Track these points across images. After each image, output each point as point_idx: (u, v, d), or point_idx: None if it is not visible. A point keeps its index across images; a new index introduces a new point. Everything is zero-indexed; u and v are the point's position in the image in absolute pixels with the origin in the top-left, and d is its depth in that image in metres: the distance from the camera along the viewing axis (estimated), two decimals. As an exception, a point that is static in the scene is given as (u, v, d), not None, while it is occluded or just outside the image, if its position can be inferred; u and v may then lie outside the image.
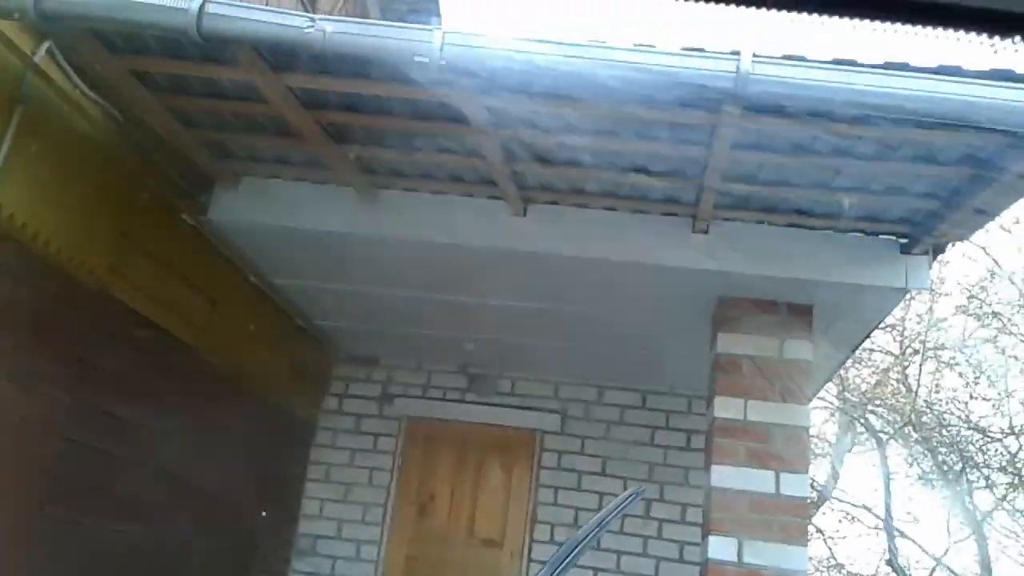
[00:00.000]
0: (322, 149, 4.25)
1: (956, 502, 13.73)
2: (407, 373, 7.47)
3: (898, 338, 13.51)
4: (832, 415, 14.82)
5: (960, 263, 13.39)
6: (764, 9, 0.65)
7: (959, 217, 4.04)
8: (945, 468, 13.67)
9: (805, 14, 0.66)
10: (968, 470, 13.48)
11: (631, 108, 3.52)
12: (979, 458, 13.48)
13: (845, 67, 3.03)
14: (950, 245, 4.63)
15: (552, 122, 3.79)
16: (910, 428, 13.57)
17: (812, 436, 13.21)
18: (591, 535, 4.55)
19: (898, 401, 13.63)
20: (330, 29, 2.93)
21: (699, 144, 3.81)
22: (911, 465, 14.49)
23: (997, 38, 0.62)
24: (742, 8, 0.65)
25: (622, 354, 6.50)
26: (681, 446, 7.08)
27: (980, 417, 13.40)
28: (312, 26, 2.94)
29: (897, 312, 11.93)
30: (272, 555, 6.80)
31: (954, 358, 13.40)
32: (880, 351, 13.71)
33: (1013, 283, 12.63)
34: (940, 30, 0.63)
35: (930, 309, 13.16)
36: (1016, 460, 13.02)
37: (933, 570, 14.45)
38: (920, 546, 14.44)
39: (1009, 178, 3.57)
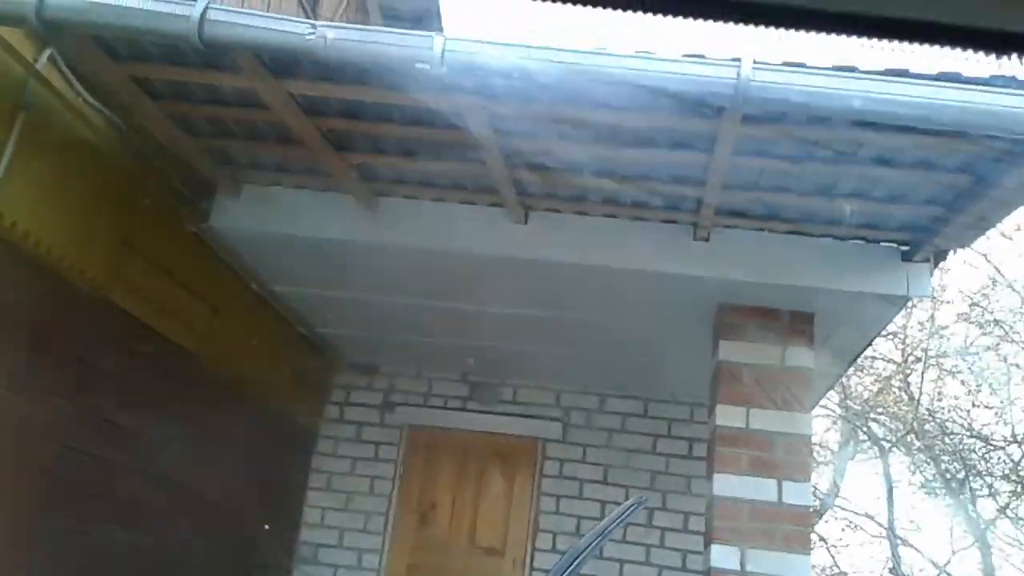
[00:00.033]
0: (323, 156, 4.26)
1: (959, 510, 13.69)
2: (408, 381, 7.46)
3: (900, 346, 13.50)
4: (834, 423, 14.80)
5: (961, 270, 13.40)
6: (762, 27, 0.65)
7: (960, 224, 4.03)
8: (948, 476, 13.64)
9: (804, 31, 0.66)
10: (971, 478, 13.45)
11: (632, 115, 3.52)
12: (982, 466, 13.45)
13: (846, 74, 3.03)
14: (951, 252, 4.62)
15: (553, 129, 3.79)
16: (912, 436, 13.54)
17: (814, 444, 13.21)
18: (594, 544, 4.53)
19: (900, 409, 13.60)
20: (331, 36, 2.93)
21: (700, 151, 3.81)
22: (914, 473, 14.47)
23: (993, 55, 0.62)
24: (740, 25, 0.65)
25: (623, 362, 6.49)
26: (683, 454, 7.06)
27: (983, 425, 13.39)
28: (313, 33, 2.94)
29: (899, 320, 11.93)
30: (273, 563, 6.78)
31: (956, 366, 13.38)
32: (882, 359, 13.70)
33: (1015, 290, 12.62)
34: (937, 47, 0.63)
35: (932, 317, 13.16)
36: (1019, 468, 12.98)
37: (936, 579, 14.41)
38: (923, 554, 14.41)
39: (1010, 185, 3.57)
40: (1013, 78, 2.93)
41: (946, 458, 13.58)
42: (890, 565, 13.97)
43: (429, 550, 7.13)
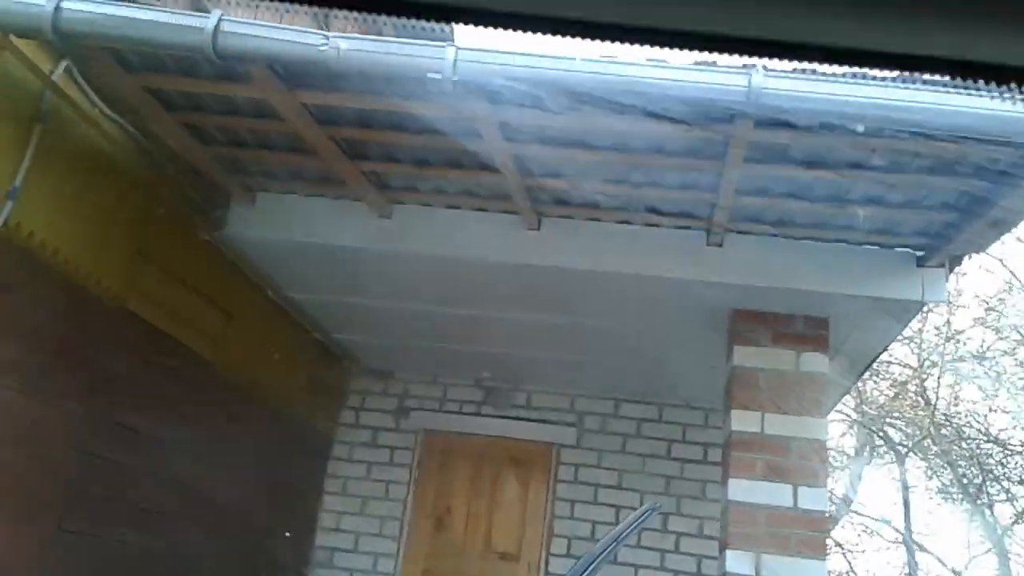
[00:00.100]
0: (337, 165, 4.28)
1: (976, 516, 13.60)
2: (423, 386, 7.48)
3: (916, 351, 13.42)
4: (850, 428, 14.73)
5: (977, 275, 13.31)
6: (761, 56, 0.66)
7: (975, 229, 4.01)
8: (965, 481, 13.55)
9: (807, 63, 0.67)
10: (988, 483, 13.36)
11: (644, 123, 3.52)
12: (999, 471, 13.36)
13: (857, 80, 3.03)
14: (967, 257, 4.60)
15: (565, 136, 3.80)
16: (929, 441, 13.46)
17: (830, 449, 13.14)
18: (608, 549, 4.53)
19: (916, 414, 13.53)
20: (344, 46, 2.95)
21: (712, 158, 3.81)
22: (930, 478, 14.39)
23: (993, 85, 0.63)
24: (746, 57, 0.66)
25: (638, 367, 6.49)
26: (698, 459, 7.05)
27: (1000, 430, 13.30)
28: (326, 44, 2.96)
29: (915, 324, 11.86)
30: (289, 568, 6.80)
31: (973, 370, 13.29)
32: (898, 364, 13.63)
33: (1031, 294, 12.53)
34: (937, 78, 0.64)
35: (948, 321, 13.08)
36: (1036, 473, 12.90)
37: (953, 584, 14.31)
38: (940, 560, 14.32)
39: (1025, 190, 3.55)
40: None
41: (963, 463, 13.50)
42: (907, 571, 13.89)
43: (444, 555, 7.14)
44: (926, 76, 0.64)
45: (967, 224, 4.02)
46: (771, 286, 4.59)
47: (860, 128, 3.19)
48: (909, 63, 0.62)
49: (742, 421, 4.75)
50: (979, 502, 13.41)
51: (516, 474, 7.30)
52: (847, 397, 11.57)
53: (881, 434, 14.24)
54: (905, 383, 13.75)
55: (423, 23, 0.69)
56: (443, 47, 3.03)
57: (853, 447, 14.95)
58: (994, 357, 13.02)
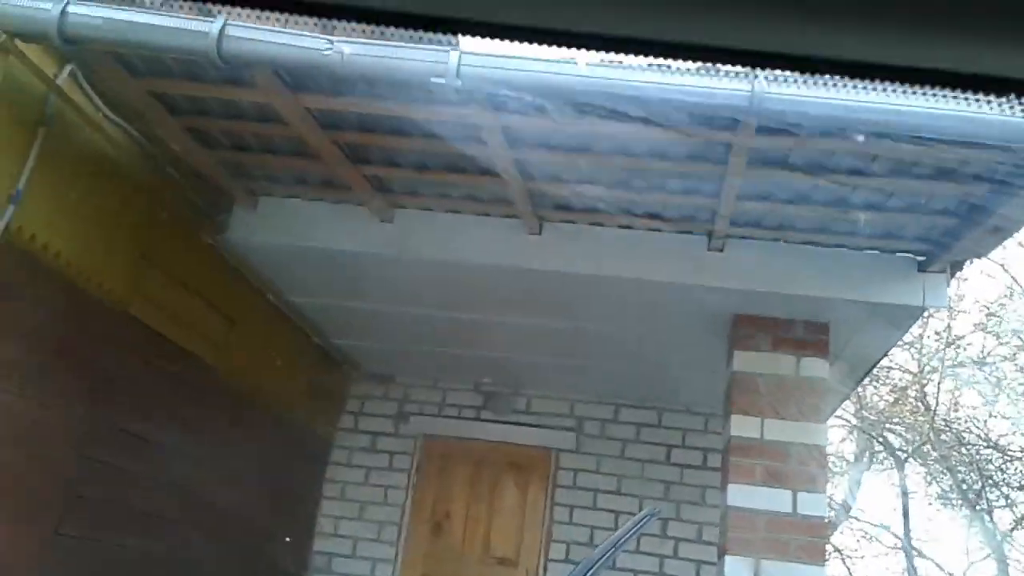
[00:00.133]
0: (339, 169, 4.29)
1: (975, 521, 13.59)
2: (423, 391, 7.48)
3: (916, 356, 13.42)
4: (850, 433, 14.72)
5: (978, 280, 13.32)
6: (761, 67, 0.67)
7: (977, 234, 4.02)
8: (964, 487, 13.55)
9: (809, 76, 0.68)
10: (987, 489, 13.35)
11: (646, 128, 3.53)
12: (998, 477, 13.36)
13: (859, 86, 3.04)
14: (968, 263, 4.61)
15: (567, 141, 3.81)
16: (929, 447, 13.46)
17: (830, 455, 13.14)
18: (607, 555, 4.54)
19: (916, 419, 13.52)
20: (348, 51, 2.96)
21: (714, 163, 3.82)
22: (930, 484, 14.38)
23: (993, 96, 0.64)
24: (749, 67, 0.67)
25: (638, 372, 6.49)
26: (697, 465, 7.05)
27: (999, 436, 13.30)
28: (330, 48, 2.97)
29: (915, 330, 11.86)
30: (288, 573, 6.80)
31: (973, 376, 13.30)
32: (898, 369, 13.62)
33: (1032, 300, 12.54)
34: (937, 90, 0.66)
35: (948, 327, 13.08)
36: (1036, 479, 12.90)
37: (952, 590, 14.30)
38: (939, 566, 14.31)
39: (1026, 196, 3.56)
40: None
41: (962, 469, 13.49)
42: (906, 576, 13.87)
43: (442, 560, 7.14)
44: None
45: (968, 230, 4.03)
46: (772, 291, 4.60)
47: (861, 138, 3.20)
48: (912, 76, 0.64)
49: (742, 426, 4.75)
50: (978, 508, 13.40)
51: (515, 479, 7.30)
52: (847, 402, 11.58)
53: (881, 440, 14.23)
54: (905, 388, 13.75)
55: (428, 34, 0.70)
56: (446, 52, 3.04)
57: (853, 453, 14.95)
58: (994, 363, 13.03)
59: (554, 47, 0.67)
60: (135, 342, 4.46)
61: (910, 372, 13.64)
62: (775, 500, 4.59)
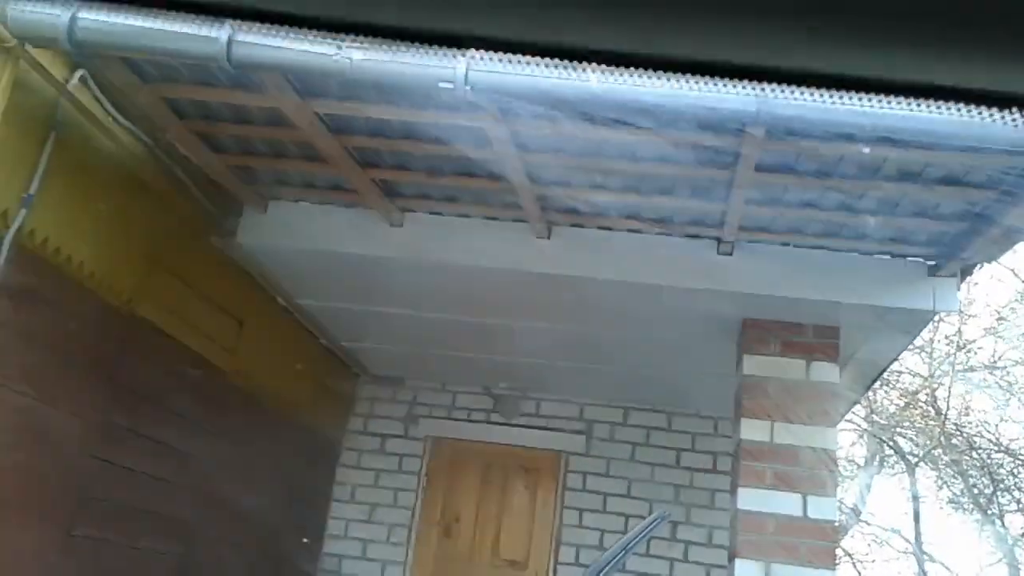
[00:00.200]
0: (349, 173, 4.30)
1: (987, 526, 13.52)
2: (432, 394, 7.49)
3: (927, 360, 13.37)
4: (860, 437, 14.67)
5: (989, 284, 13.26)
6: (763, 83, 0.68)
7: (987, 239, 4.01)
8: (975, 491, 13.48)
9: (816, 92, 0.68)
10: (999, 493, 13.29)
11: (654, 131, 3.53)
12: (1010, 481, 13.29)
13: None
14: (978, 267, 4.59)
15: (576, 146, 3.81)
16: (940, 451, 13.40)
17: (840, 459, 13.10)
18: (617, 558, 4.54)
19: (927, 424, 13.47)
20: (357, 56, 2.97)
21: (723, 167, 3.82)
22: (941, 488, 14.32)
23: (995, 110, 0.64)
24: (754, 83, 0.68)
25: (647, 376, 6.48)
26: (707, 468, 7.03)
27: (1011, 440, 13.24)
28: (339, 53, 2.98)
29: (926, 334, 11.81)
30: (300, 574, 6.81)
31: (984, 380, 13.24)
32: (909, 373, 13.57)
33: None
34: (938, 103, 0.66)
35: (959, 331, 13.03)
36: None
37: (964, 595, 14.23)
38: (950, 570, 14.24)
39: (1037, 200, 3.55)
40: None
41: (974, 473, 13.43)
42: (917, 581, 13.81)
43: (452, 562, 7.14)
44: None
45: (979, 234, 4.02)
46: (781, 295, 4.59)
47: (866, 149, 3.19)
48: (914, 92, 0.64)
49: (752, 430, 4.74)
50: (990, 512, 13.34)
51: (525, 482, 7.30)
52: (857, 406, 11.54)
53: (891, 444, 14.18)
54: (916, 393, 13.70)
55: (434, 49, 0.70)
56: (455, 58, 3.04)
57: (863, 457, 14.89)
58: (1005, 367, 12.97)
59: (561, 64, 0.67)
60: (145, 345, 4.48)
61: (921, 376, 13.59)
62: (785, 504, 4.58)
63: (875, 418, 13.89)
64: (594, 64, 0.67)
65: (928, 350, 13.17)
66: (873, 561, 14.95)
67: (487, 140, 3.73)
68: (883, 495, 16.37)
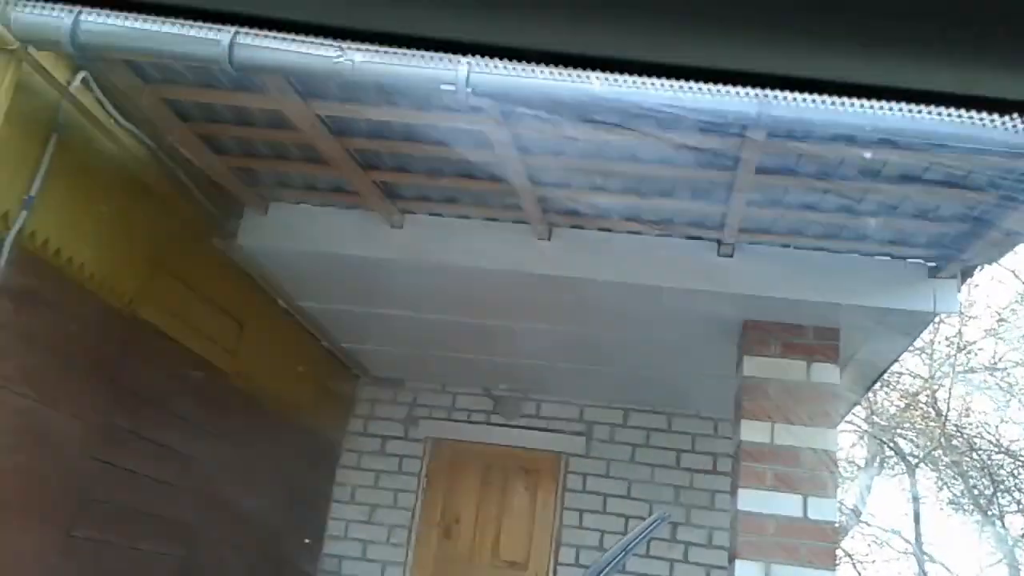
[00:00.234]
0: (349, 175, 4.31)
1: (987, 527, 13.53)
2: (432, 395, 7.49)
3: (927, 361, 13.37)
4: (861, 439, 14.67)
5: (989, 286, 13.26)
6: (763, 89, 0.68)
7: (988, 240, 4.01)
8: (975, 492, 13.48)
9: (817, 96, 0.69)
10: (999, 494, 13.29)
11: (655, 133, 3.54)
12: (1010, 482, 13.29)
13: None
14: (979, 268, 4.59)
15: (576, 148, 3.82)
16: (940, 452, 13.40)
17: (841, 460, 13.10)
18: (617, 559, 4.54)
19: (927, 425, 13.47)
20: (359, 59, 2.97)
21: (723, 169, 3.82)
22: (941, 489, 14.32)
23: (996, 117, 0.65)
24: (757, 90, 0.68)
25: (647, 377, 6.49)
26: (707, 469, 7.04)
27: (1011, 441, 13.24)
28: (341, 56, 2.99)
29: (926, 335, 11.81)
30: (302, 574, 6.82)
31: (984, 382, 13.24)
32: (909, 374, 13.57)
33: (1043, 305, 12.48)
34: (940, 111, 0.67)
35: (959, 332, 13.03)
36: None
37: (964, 596, 14.23)
38: (950, 571, 14.24)
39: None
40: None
41: (974, 474, 13.43)
42: (917, 582, 13.81)
43: (452, 563, 7.14)
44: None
45: (979, 235, 4.02)
46: (781, 296, 4.60)
47: (868, 154, 3.20)
48: (914, 98, 0.64)
49: (752, 431, 4.75)
50: (990, 513, 13.34)
51: (525, 483, 7.30)
52: (858, 408, 11.54)
53: (891, 445, 14.18)
54: (916, 394, 13.70)
55: (433, 54, 0.71)
56: (457, 61, 3.05)
57: (863, 458, 14.89)
58: (1006, 368, 12.98)
59: (564, 71, 0.68)
60: (146, 346, 4.49)
61: (921, 377, 13.59)
62: (785, 505, 4.59)
63: (875, 419, 13.89)
64: (597, 71, 0.67)
65: (928, 351, 13.18)
66: (873, 562, 14.95)
67: (488, 142, 3.74)
68: (883, 496, 16.37)
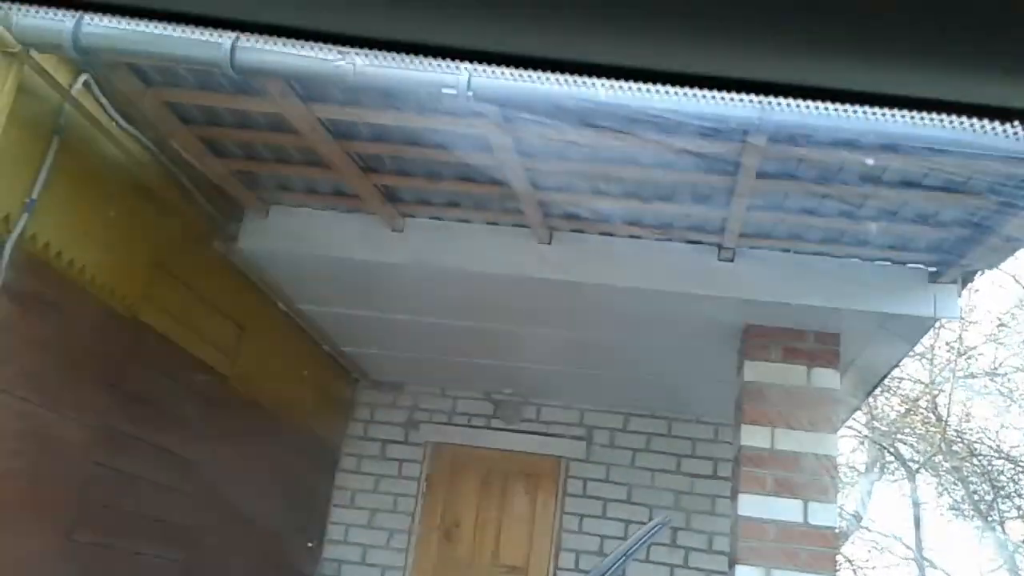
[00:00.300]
0: (350, 178, 4.31)
1: (987, 532, 13.51)
2: (432, 399, 7.49)
3: (927, 367, 13.37)
4: (861, 444, 14.66)
5: (990, 291, 13.25)
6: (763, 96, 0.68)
7: (988, 246, 4.02)
8: (976, 498, 13.47)
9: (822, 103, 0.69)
10: (999, 500, 13.27)
11: (656, 137, 3.54)
12: (1010, 488, 13.28)
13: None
14: (979, 273, 4.59)
15: (577, 152, 3.82)
16: (940, 457, 13.39)
17: (841, 465, 13.08)
18: (617, 564, 4.54)
19: (928, 430, 13.46)
20: (360, 62, 2.98)
21: (724, 174, 3.82)
22: (941, 495, 14.30)
23: (997, 124, 0.65)
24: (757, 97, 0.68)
25: (647, 382, 6.49)
26: (708, 474, 7.03)
27: (1012, 447, 13.22)
28: (343, 59, 2.99)
29: (926, 340, 11.81)
30: (298, 579, 6.82)
31: (985, 387, 13.23)
32: (910, 379, 13.57)
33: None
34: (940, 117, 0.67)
35: (960, 337, 13.03)
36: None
37: (965, 602, 14.21)
38: (951, 577, 14.21)
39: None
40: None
41: (974, 480, 13.42)
42: (917, 587, 13.79)
43: (452, 568, 7.13)
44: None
45: (979, 241, 4.02)
46: (782, 301, 4.60)
47: (870, 161, 3.20)
48: (916, 105, 0.64)
49: (752, 436, 4.75)
50: (990, 519, 13.32)
51: (525, 487, 7.29)
52: (858, 413, 11.53)
53: (892, 450, 14.17)
54: (916, 399, 13.69)
55: (433, 61, 0.71)
56: (458, 65, 3.06)
57: (864, 463, 14.87)
58: (1006, 373, 12.97)
59: (565, 77, 0.68)
60: (147, 349, 4.49)
61: (921, 383, 13.59)
62: (786, 510, 4.58)
63: (876, 424, 13.88)
64: (599, 78, 0.67)
65: (929, 356, 13.17)
66: (874, 568, 14.95)
67: (489, 146, 3.74)
68: (884, 501, 16.38)
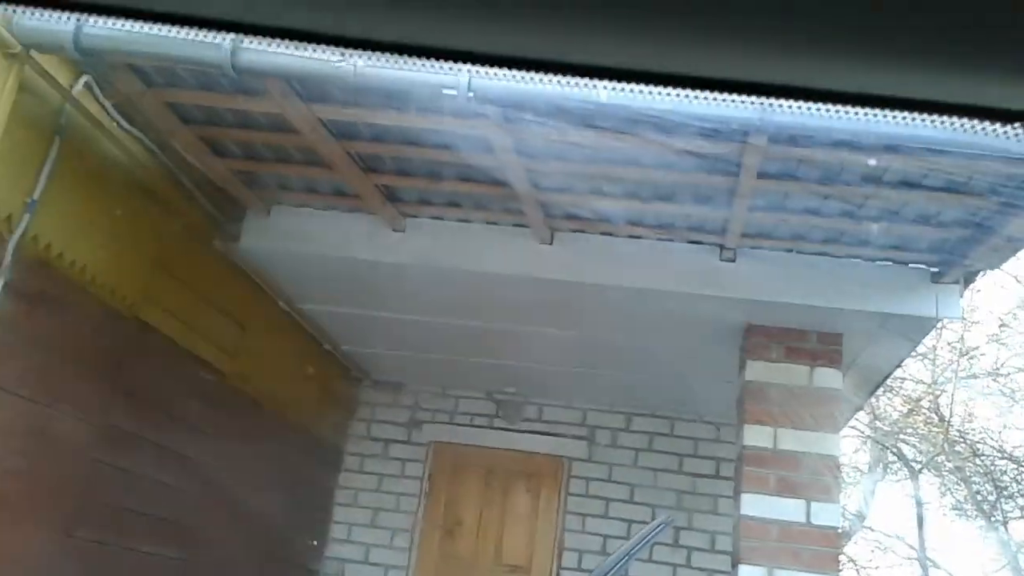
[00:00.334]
0: (351, 178, 4.31)
1: (990, 532, 13.50)
2: (434, 399, 7.49)
3: (930, 367, 13.35)
4: (864, 444, 14.65)
5: (992, 291, 13.24)
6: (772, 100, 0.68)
7: (990, 246, 4.01)
8: (979, 498, 13.46)
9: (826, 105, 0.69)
10: (1002, 500, 13.26)
11: (657, 138, 3.54)
12: (1013, 488, 13.26)
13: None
14: (981, 273, 4.59)
15: (578, 152, 3.82)
16: (943, 458, 13.38)
17: (844, 465, 13.07)
18: (620, 563, 4.54)
19: (930, 430, 13.45)
20: (361, 63, 2.98)
21: (725, 174, 3.82)
22: (944, 495, 14.29)
23: (999, 126, 0.65)
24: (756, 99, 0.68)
25: (650, 382, 6.49)
26: (710, 474, 7.03)
27: (1014, 447, 13.21)
28: (343, 60, 2.99)
29: (929, 340, 11.79)
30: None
31: (987, 387, 13.22)
32: (912, 380, 13.55)
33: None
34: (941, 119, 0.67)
35: (962, 337, 13.01)
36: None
37: (968, 601, 14.20)
38: (954, 577, 14.20)
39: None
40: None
41: (977, 480, 13.41)
42: (920, 587, 13.78)
43: (454, 567, 7.14)
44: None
45: (981, 241, 4.02)
46: (784, 301, 4.59)
47: (872, 162, 3.19)
48: (917, 107, 0.64)
49: (755, 436, 4.74)
50: (993, 519, 13.31)
51: (527, 487, 7.29)
52: (861, 413, 11.52)
53: (895, 450, 14.16)
54: (919, 399, 13.67)
55: (432, 63, 0.71)
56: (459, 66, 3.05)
57: (866, 463, 14.86)
58: (1008, 373, 12.96)
59: (565, 80, 0.68)
60: (148, 348, 4.49)
61: (924, 383, 13.57)
62: (788, 510, 4.58)
63: (878, 424, 13.87)
64: (600, 80, 0.67)
65: (931, 357, 13.16)
66: (877, 567, 14.93)
67: (490, 146, 3.74)
68: (887, 501, 16.36)
